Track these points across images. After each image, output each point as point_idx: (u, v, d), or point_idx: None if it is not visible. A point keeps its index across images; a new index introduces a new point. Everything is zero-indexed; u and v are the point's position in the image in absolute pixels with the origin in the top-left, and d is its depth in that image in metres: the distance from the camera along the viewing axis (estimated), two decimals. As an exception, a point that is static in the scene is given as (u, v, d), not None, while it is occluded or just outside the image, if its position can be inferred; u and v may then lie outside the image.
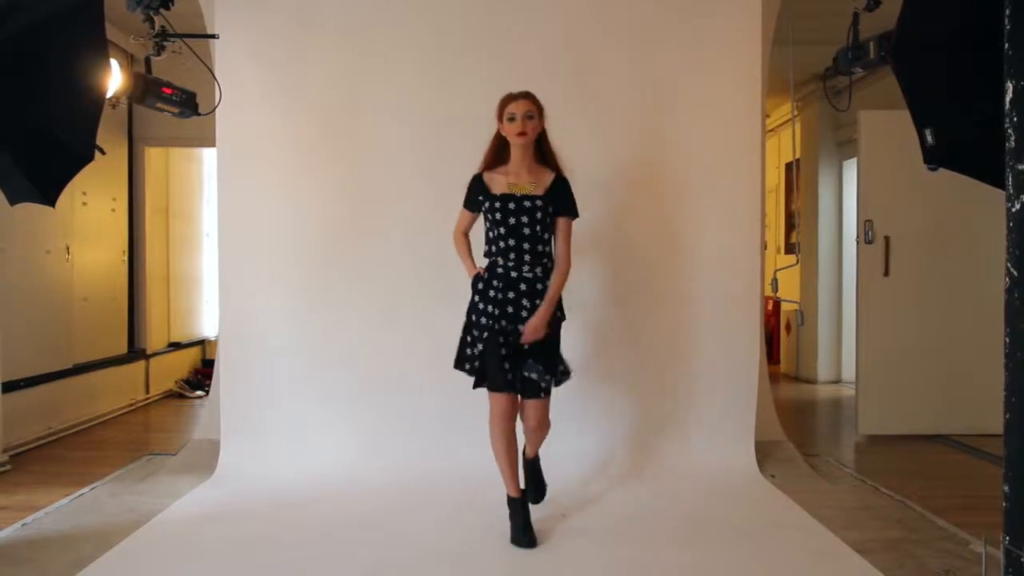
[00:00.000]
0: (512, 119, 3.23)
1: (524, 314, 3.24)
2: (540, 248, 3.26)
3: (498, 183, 3.28)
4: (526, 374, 3.25)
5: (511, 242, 3.24)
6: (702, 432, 4.29)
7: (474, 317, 3.31)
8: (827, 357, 7.76)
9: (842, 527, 3.40)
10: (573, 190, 3.33)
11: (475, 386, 3.32)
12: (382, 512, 3.61)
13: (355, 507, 3.67)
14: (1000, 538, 1.91)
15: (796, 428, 5.37)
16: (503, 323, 3.25)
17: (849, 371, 7.25)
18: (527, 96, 3.29)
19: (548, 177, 3.28)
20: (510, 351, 3.24)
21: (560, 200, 3.28)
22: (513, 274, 3.26)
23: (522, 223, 3.23)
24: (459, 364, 3.35)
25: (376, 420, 4.30)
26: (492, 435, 3.26)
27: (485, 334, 3.25)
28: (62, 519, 3.54)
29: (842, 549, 3.15)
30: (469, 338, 3.32)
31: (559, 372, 3.38)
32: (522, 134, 3.23)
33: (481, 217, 3.37)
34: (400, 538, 3.31)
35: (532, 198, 3.23)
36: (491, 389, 3.23)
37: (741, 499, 3.83)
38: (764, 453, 4.36)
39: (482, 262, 3.37)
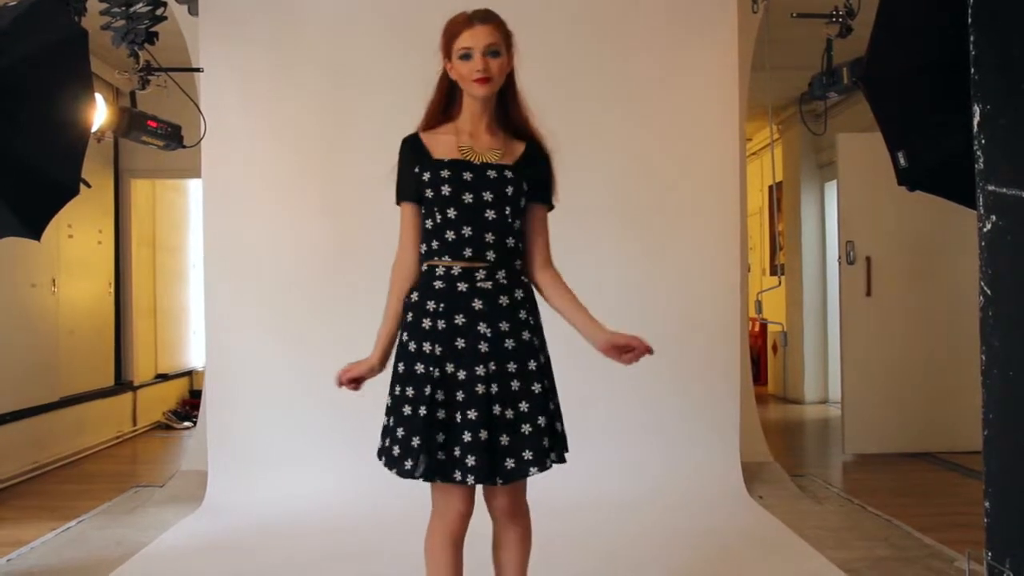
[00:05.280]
0: (467, 56, 2.14)
1: (484, 347, 2.11)
2: (509, 243, 2.17)
3: (443, 146, 2.19)
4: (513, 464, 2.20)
5: (466, 232, 2.13)
6: (687, 455, 4.29)
7: (402, 366, 2.21)
8: (814, 377, 7.80)
9: (829, 547, 3.41)
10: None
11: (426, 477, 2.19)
12: (373, 543, 3.58)
13: (346, 538, 3.65)
14: (983, 554, 1.93)
15: (784, 449, 5.39)
16: (448, 368, 2.12)
17: (836, 391, 7.27)
18: (488, 19, 2.17)
19: (518, 146, 2.23)
20: (454, 413, 2.11)
21: (539, 179, 2.24)
22: (461, 285, 2.14)
23: (484, 202, 2.13)
24: (386, 455, 2.32)
25: (366, 449, 4.24)
26: (427, 546, 2.29)
27: (425, 389, 2.12)
28: (48, 553, 3.51)
29: (830, 569, 3.16)
30: (398, 402, 2.25)
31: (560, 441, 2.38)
32: (485, 80, 2.13)
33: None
34: (392, 570, 3.28)
35: (499, 168, 2.16)
36: (425, 477, 2.19)
37: (729, 520, 3.84)
38: (752, 474, 4.38)
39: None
